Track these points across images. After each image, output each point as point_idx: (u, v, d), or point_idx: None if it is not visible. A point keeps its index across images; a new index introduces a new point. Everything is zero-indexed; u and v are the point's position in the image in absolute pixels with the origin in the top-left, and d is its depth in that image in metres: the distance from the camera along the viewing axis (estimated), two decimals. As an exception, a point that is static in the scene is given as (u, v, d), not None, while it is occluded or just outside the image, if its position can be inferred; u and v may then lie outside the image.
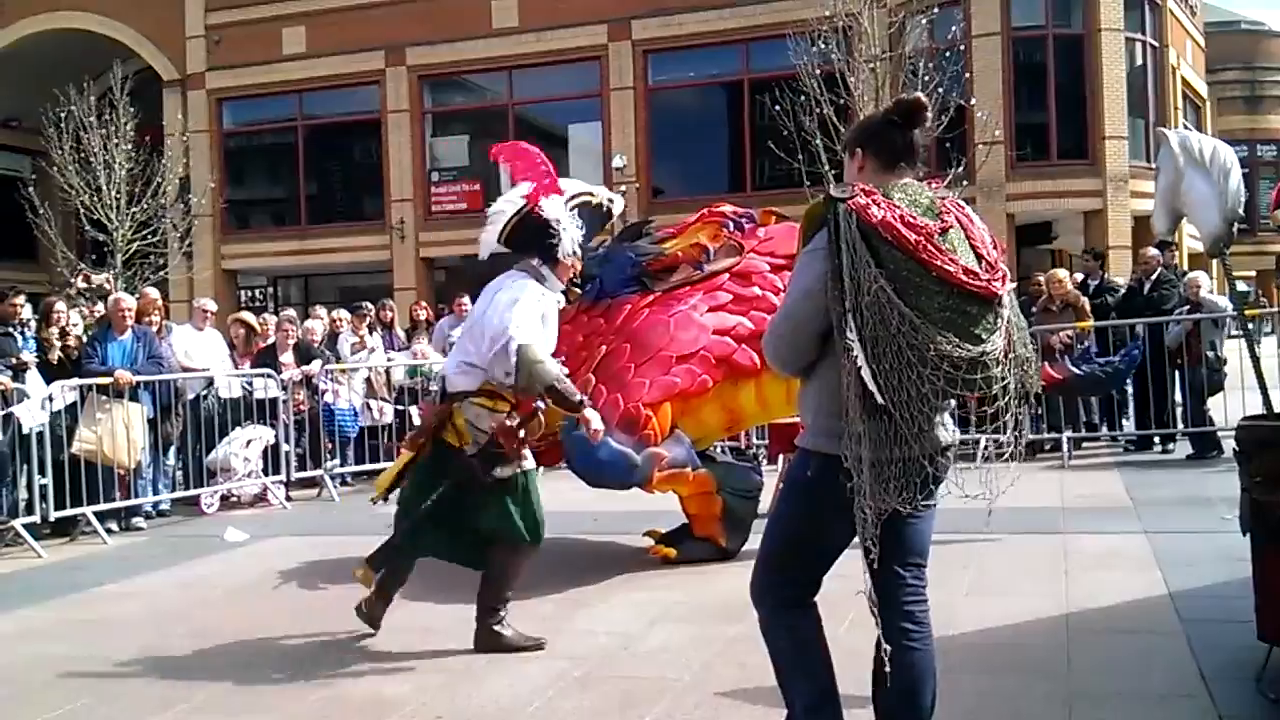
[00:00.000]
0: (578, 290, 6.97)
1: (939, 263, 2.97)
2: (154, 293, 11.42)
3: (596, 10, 23.84)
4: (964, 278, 2.99)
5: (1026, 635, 5.04)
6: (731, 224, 7.07)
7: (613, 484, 6.59)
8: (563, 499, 9.92)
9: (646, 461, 6.40)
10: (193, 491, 10.24)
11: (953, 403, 3.12)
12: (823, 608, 3.28)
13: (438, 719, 4.35)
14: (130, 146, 23.04)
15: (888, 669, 3.18)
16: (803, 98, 17.30)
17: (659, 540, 7.20)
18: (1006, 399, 3.08)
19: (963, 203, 3.27)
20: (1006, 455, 3.21)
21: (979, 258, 3.08)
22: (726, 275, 6.83)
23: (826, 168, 16.30)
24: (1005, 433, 3.14)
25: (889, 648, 3.20)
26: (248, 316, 12.14)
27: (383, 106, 25.61)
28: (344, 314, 12.86)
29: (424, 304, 14.28)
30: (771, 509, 3.37)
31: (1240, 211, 5.69)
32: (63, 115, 22.64)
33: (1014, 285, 3.23)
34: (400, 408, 11.83)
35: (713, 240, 6.94)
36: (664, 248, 6.97)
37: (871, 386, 2.92)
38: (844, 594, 3.19)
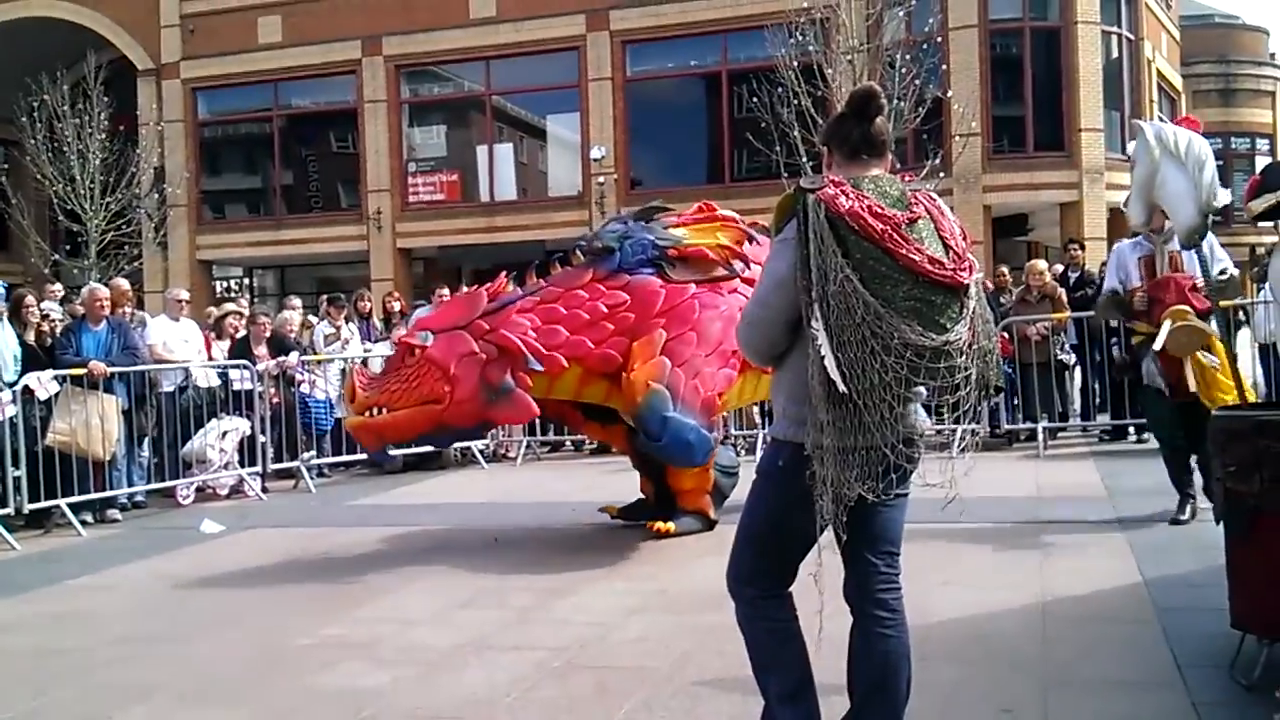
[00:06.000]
0: (581, 256, 7.34)
1: (904, 252, 2.99)
2: (124, 283, 11.37)
3: (574, 0, 23.78)
4: (929, 267, 3.01)
5: (1002, 624, 5.07)
6: (751, 237, 7.49)
7: (684, 462, 7.04)
8: (542, 489, 9.96)
9: (712, 445, 7.03)
10: (168, 483, 10.19)
11: (923, 392, 3.14)
12: (799, 597, 3.30)
13: (415, 710, 4.34)
14: (104, 136, 22.92)
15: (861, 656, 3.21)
16: (780, 89, 17.32)
17: (619, 513, 7.77)
18: (968, 389, 3.10)
19: (934, 195, 3.30)
20: (966, 445, 3.24)
21: (947, 249, 3.10)
22: (738, 280, 7.31)
23: (804, 159, 16.33)
24: (965, 423, 3.17)
25: (862, 635, 3.23)
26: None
27: (359, 96, 25.46)
28: (294, 316, 12.72)
29: (398, 295, 14.24)
30: (746, 500, 3.38)
31: (1215, 203, 5.72)
32: (36, 104, 22.49)
33: (981, 275, 3.25)
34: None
35: (737, 244, 7.43)
36: (679, 236, 7.36)
37: (834, 375, 2.94)
38: (822, 582, 3.20)
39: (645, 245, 7.22)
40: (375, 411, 7.00)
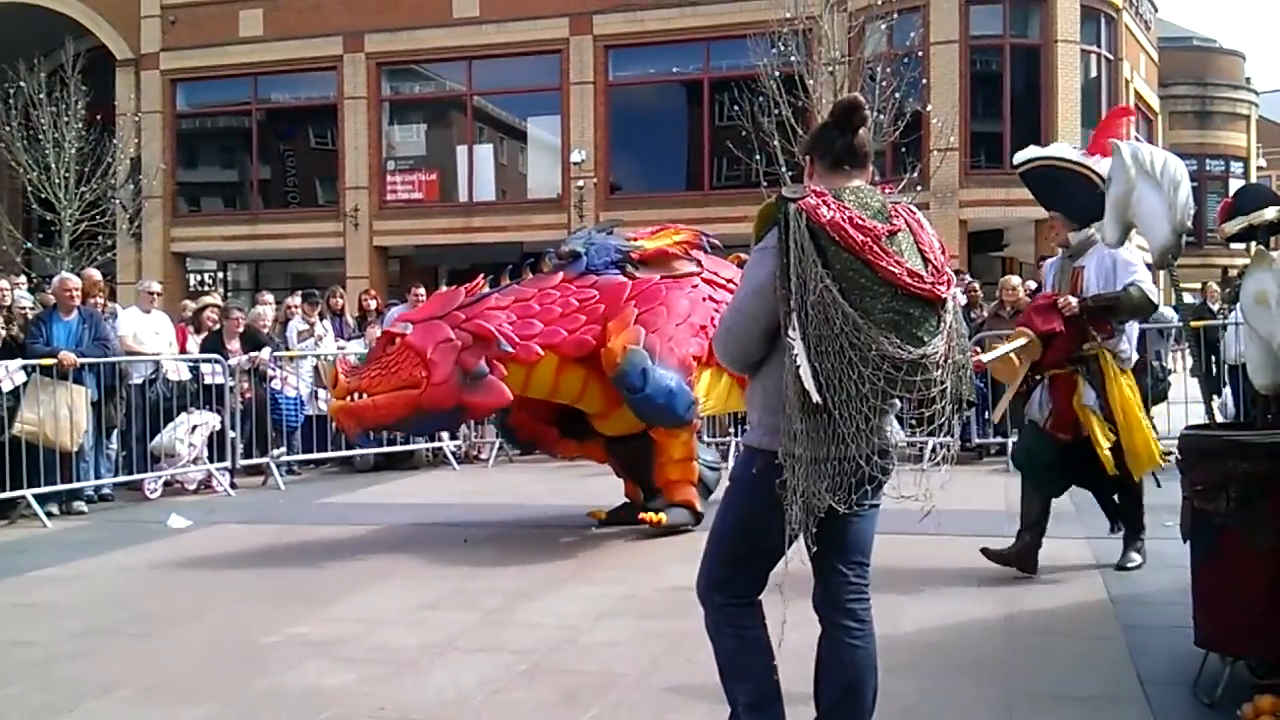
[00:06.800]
0: (550, 263, 7.73)
1: (884, 264, 3.00)
2: (96, 274, 11.27)
3: (558, 4, 23.78)
4: (908, 280, 3.02)
5: (968, 637, 5.09)
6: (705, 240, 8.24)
7: (669, 413, 7.19)
8: (514, 491, 9.94)
9: (692, 398, 7.30)
10: (136, 476, 10.11)
11: (898, 404, 3.15)
12: (767, 605, 3.30)
13: (380, 710, 4.32)
14: (81, 125, 22.73)
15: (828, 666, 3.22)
16: (761, 98, 17.37)
17: (607, 517, 7.90)
18: (943, 402, 3.12)
19: (914, 208, 3.31)
20: (940, 458, 3.26)
21: (926, 262, 3.12)
22: (698, 279, 7.84)
23: (784, 169, 16.37)
24: (940, 435, 3.18)
25: (830, 645, 3.24)
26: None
27: (340, 93, 25.35)
28: (268, 311, 12.48)
29: (374, 292, 14.17)
30: (719, 507, 3.38)
31: (1189, 224, 5.76)
32: (11, 91, 22.27)
33: (958, 289, 3.27)
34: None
35: (692, 243, 8.07)
36: (640, 244, 7.87)
37: (808, 385, 2.95)
38: (789, 591, 3.21)
39: (609, 249, 7.71)
40: (356, 397, 7.15)
